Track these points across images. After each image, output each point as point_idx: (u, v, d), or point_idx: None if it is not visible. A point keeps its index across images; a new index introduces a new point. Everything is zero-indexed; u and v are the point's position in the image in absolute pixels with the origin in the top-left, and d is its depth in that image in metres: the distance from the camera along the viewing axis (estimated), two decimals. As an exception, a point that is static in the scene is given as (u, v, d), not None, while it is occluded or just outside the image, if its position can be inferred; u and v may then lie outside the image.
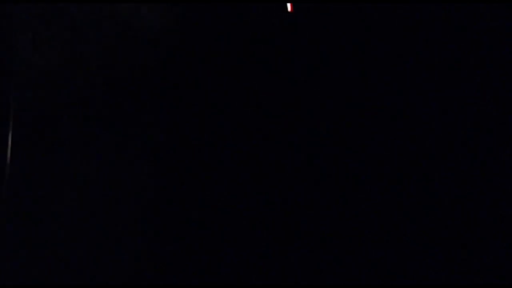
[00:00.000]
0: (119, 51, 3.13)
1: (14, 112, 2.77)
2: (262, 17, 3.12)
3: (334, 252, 2.87)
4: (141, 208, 3.03)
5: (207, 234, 3.05)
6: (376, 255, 2.81)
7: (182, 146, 3.42)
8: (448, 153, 2.81)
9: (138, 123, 3.22)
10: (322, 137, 3.07)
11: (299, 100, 3.12)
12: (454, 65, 2.84)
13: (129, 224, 2.95)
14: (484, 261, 2.63)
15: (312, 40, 3.06)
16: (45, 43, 3.06)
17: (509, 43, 2.77)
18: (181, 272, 2.93)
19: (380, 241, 2.83)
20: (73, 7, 3.06)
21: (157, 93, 3.37)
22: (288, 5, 2.82)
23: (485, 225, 2.69)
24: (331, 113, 3.05)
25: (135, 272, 2.87)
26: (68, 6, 3.07)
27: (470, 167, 2.76)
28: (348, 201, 2.95)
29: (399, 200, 2.85)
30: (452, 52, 2.83)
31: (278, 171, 3.12)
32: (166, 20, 3.30)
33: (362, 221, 2.90)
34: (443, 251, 2.71)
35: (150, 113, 3.39)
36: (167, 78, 3.35)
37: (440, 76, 2.86)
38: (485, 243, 2.66)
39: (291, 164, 3.10)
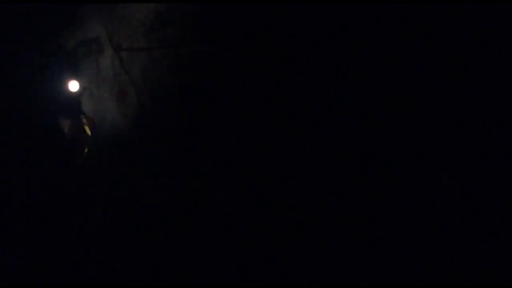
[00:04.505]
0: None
1: None
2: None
3: (334, 252, 2.87)
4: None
5: (207, 235, 3.05)
6: (376, 255, 2.80)
7: (182, 146, 3.42)
8: (448, 154, 2.80)
9: None
10: (322, 137, 3.06)
11: (300, 100, 3.11)
12: (454, 65, 2.83)
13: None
14: (484, 261, 2.62)
15: (313, 40, 3.06)
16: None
17: (509, 43, 2.77)
18: (181, 272, 2.93)
19: (380, 241, 2.83)
20: None
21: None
22: None
23: (485, 225, 2.69)
24: (332, 113, 3.05)
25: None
26: None
27: (470, 167, 2.76)
28: (348, 201, 2.95)
29: (399, 200, 2.85)
30: (453, 52, 2.83)
31: (278, 171, 3.11)
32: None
33: (363, 221, 2.90)
34: (443, 251, 2.70)
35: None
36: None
37: (441, 76, 2.85)
38: (485, 243, 2.66)
39: (291, 164, 3.10)
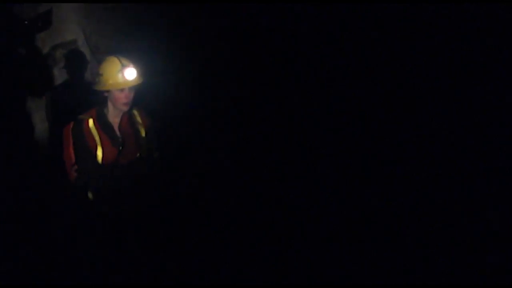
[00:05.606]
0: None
1: None
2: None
3: (334, 252, 2.87)
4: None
5: (207, 235, 3.04)
6: (376, 255, 2.80)
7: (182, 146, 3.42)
8: (448, 153, 2.80)
9: None
10: (322, 137, 3.06)
11: (300, 100, 3.11)
12: (454, 65, 2.83)
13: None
14: (484, 261, 2.62)
15: (315, 40, 3.06)
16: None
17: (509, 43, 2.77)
18: (181, 272, 2.92)
19: (380, 241, 2.83)
20: None
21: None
22: None
23: (485, 225, 2.69)
24: (332, 113, 3.05)
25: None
26: None
27: (470, 167, 2.76)
28: (348, 201, 2.95)
29: (399, 200, 2.85)
30: (453, 52, 2.83)
31: (278, 171, 3.11)
32: None
33: (363, 221, 2.90)
34: (443, 251, 2.70)
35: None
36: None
37: (441, 76, 2.85)
38: (485, 243, 2.65)
39: (291, 164, 3.10)
